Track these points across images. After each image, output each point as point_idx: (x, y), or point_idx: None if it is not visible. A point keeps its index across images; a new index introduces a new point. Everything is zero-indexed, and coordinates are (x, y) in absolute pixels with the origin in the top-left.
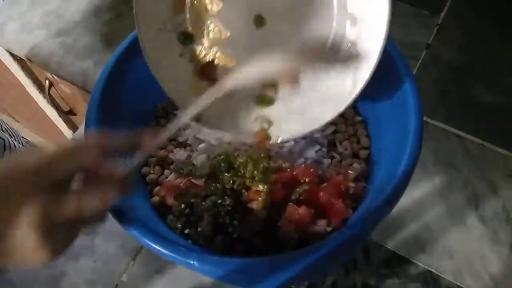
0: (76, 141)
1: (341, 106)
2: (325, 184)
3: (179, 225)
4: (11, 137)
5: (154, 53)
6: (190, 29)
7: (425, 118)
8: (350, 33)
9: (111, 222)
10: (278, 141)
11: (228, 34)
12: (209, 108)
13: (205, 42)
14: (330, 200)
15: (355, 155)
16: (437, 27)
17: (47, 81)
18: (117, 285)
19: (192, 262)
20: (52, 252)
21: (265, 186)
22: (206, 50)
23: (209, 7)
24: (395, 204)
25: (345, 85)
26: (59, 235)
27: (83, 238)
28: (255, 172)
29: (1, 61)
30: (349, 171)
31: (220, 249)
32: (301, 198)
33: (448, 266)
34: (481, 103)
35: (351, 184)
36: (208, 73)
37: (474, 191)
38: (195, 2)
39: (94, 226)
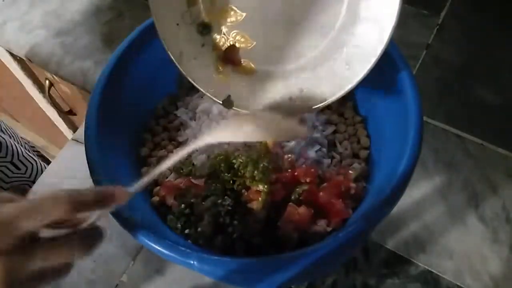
0: (42, 198)
1: (370, 62)
2: (325, 184)
3: (179, 225)
4: (10, 137)
5: (177, 47)
6: (206, 19)
7: (425, 118)
8: None
9: (111, 222)
10: (314, 108)
11: (244, 15)
12: (238, 91)
13: (223, 28)
14: (330, 200)
15: (355, 155)
16: (437, 27)
17: (47, 81)
18: (117, 285)
19: (192, 262)
20: None
21: (265, 186)
22: (225, 36)
23: None
24: (395, 204)
25: (370, 42)
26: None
27: None
28: (255, 172)
29: (1, 61)
30: (350, 171)
31: (220, 249)
32: (301, 198)
33: (448, 266)
34: (481, 103)
35: (352, 185)
36: (231, 57)
37: (474, 191)
38: None
39: (59, 278)
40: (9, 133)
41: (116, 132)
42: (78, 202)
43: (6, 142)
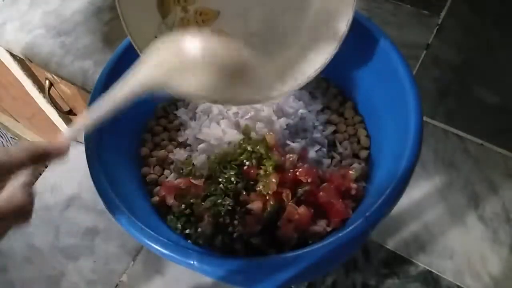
0: None
1: (336, 44)
2: (325, 184)
3: (179, 225)
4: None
5: None
6: (181, 23)
7: (425, 118)
8: None
9: (111, 222)
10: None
11: (218, 12)
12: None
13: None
14: (330, 200)
15: (355, 155)
16: (437, 27)
17: (47, 81)
18: (117, 285)
19: (192, 262)
20: None
21: (269, 192)
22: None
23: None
24: (395, 204)
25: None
26: None
27: (83, 238)
28: (267, 164)
29: (1, 61)
30: (350, 171)
31: (220, 249)
32: (301, 198)
33: (448, 266)
34: (481, 103)
35: (353, 185)
36: None
37: (474, 191)
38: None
39: None
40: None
41: (116, 132)
42: (12, 165)
43: None
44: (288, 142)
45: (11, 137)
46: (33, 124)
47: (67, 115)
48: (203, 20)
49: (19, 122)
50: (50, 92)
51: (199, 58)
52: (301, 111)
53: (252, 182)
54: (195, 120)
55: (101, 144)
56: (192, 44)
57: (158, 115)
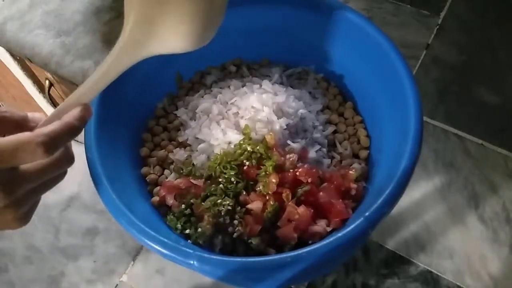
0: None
1: None
2: (325, 184)
3: (179, 225)
4: None
5: None
6: None
7: (425, 118)
8: None
9: (111, 222)
10: None
11: None
12: None
13: None
14: (330, 200)
15: (355, 155)
16: (437, 27)
17: (47, 81)
18: (117, 285)
19: (192, 262)
20: (22, 217)
21: (270, 193)
22: None
23: None
24: (395, 204)
25: None
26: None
27: (83, 238)
28: (268, 164)
29: (1, 61)
30: (350, 171)
31: (220, 249)
32: (301, 198)
33: (448, 266)
34: (481, 103)
35: (353, 185)
36: None
37: (474, 191)
38: None
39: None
40: None
41: (116, 132)
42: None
43: None
44: (288, 142)
45: None
46: None
47: None
48: None
49: None
50: (50, 92)
51: None
52: (301, 111)
53: (252, 182)
54: (195, 120)
55: (101, 144)
56: None
57: (158, 115)
